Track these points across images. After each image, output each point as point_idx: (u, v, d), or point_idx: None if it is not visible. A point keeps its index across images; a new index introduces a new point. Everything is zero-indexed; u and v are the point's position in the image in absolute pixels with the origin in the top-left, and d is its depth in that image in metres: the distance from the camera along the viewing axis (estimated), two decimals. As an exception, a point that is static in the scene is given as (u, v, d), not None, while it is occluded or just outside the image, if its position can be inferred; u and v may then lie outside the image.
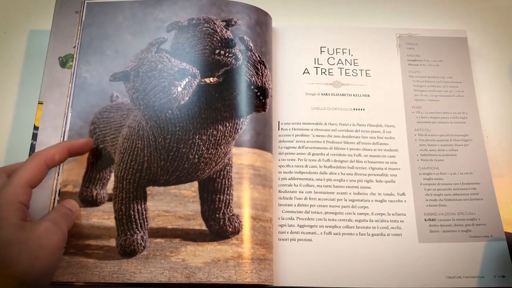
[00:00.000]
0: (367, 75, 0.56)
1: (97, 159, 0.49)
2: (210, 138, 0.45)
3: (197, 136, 0.45)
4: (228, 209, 0.47)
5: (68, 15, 0.53)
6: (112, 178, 0.47)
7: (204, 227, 0.47)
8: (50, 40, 0.52)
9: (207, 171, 0.47)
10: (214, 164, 0.47)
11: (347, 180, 0.51)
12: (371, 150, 0.52)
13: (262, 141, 0.50)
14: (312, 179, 0.51)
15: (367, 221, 0.49)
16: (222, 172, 0.48)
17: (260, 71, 0.48)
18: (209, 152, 0.46)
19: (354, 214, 0.49)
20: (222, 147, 0.46)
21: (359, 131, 0.53)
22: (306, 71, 0.56)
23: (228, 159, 0.48)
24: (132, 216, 0.45)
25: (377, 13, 0.63)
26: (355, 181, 0.51)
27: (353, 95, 0.55)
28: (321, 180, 0.51)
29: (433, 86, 0.56)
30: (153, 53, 0.45)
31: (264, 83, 0.48)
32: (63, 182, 0.47)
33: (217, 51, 0.45)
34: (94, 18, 0.53)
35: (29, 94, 0.55)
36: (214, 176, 0.48)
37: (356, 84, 0.56)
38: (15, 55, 0.58)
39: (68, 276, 0.43)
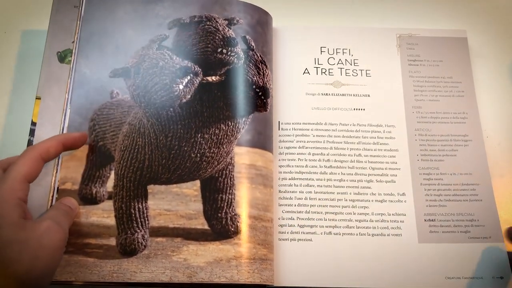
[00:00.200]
0: (367, 75, 0.56)
1: (96, 156, 0.48)
2: (212, 137, 0.45)
3: (199, 135, 0.45)
4: (230, 209, 0.47)
5: (66, 10, 0.52)
6: (112, 176, 0.46)
7: (206, 227, 0.46)
8: (48, 34, 0.51)
9: (209, 170, 0.46)
10: (216, 163, 0.46)
11: (347, 180, 0.51)
12: (371, 150, 0.52)
13: (263, 141, 0.50)
14: (312, 179, 0.51)
15: (367, 221, 0.49)
16: (224, 171, 0.47)
17: (262, 71, 0.48)
18: (211, 151, 0.45)
19: (354, 214, 0.50)
20: (224, 146, 0.46)
21: (359, 131, 0.53)
22: (306, 71, 0.56)
23: (231, 158, 0.48)
24: (133, 215, 0.45)
25: (377, 13, 0.63)
26: (355, 181, 0.51)
27: (353, 95, 0.55)
28: (321, 180, 0.51)
29: (433, 86, 0.56)
30: (155, 50, 0.45)
31: (266, 83, 0.48)
32: (61, 179, 0.46)
33: (219, 50, 0.45)
34: (93, 12, 0.52)
35: (26, 89, 0.54)
36: (216, 175, 0.47)
37: (356, 84, 0.56)
38: (11, 51, 0.57)
39: (67, 275, 0.42)
